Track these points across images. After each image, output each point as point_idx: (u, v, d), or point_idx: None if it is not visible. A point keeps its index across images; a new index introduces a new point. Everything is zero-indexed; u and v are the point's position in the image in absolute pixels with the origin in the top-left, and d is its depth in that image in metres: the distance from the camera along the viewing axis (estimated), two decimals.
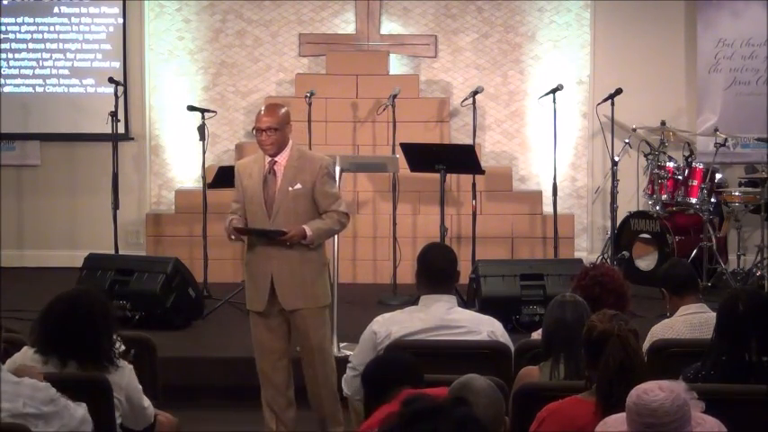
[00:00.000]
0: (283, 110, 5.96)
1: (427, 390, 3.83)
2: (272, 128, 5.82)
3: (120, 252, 8.98)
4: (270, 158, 5.91)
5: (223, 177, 8.49)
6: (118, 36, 10.05)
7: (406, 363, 4.14)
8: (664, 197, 9.18)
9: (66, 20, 10.08)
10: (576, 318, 4.32)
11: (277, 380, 6.03)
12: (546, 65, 10.11)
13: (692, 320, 5.19)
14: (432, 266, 5.17)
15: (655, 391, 3.16)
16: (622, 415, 3.31)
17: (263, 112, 5.90)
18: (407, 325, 5.01)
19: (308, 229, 5.81)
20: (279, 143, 5.86)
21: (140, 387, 4.49)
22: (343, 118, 9.73)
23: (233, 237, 5.94)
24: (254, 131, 5.92)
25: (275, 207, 5.84)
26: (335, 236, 6.61)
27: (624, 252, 9.19)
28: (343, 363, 5.55)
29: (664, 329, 5.21)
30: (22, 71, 10.13)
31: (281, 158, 5.89)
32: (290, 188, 5.84)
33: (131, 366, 4.46)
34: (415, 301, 5.40)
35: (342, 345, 6.92)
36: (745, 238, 9.55)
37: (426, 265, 5.19)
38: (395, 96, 8.92)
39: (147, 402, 4.52)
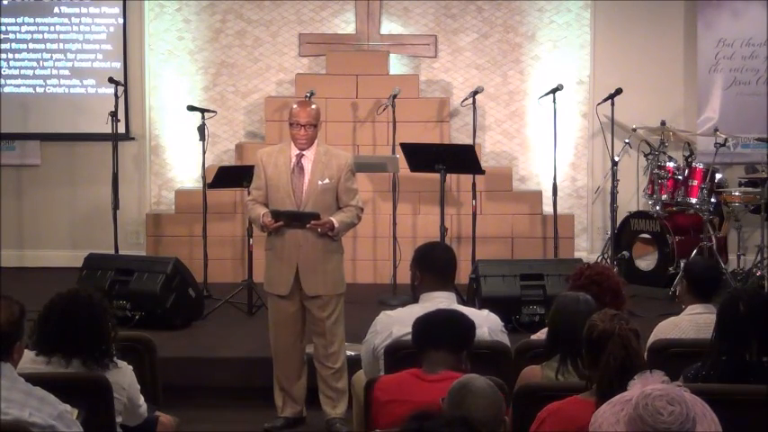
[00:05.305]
0: (317, 107, 6.31)
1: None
2: (311, 124, 6.17)
3: (121, 252, 8.96)
4: (297, 152, 6.22)
5: (223, 177, 8.50)
6: (118, 36, 10.05)
7: (454, 331, 4.32)
8: (664, 197, 9.17)
9: (66, 20, 10.07)
10: (586, 316, 4.31)
11: (292, 358, 6.34)
12: (546, 65, 10.10)
13: (697, 321, 5.20)
14: (430, 263, 5.18)
15: (666, 407, 3.12)
16: (612, 408, 3.27)
17: (298, 108, 6.22)
18: (408, 323, 5.01)
19: (335, 221, 6.18)
20: (312, 139, 6.22)
21: (138, 387, 4.54)
22: (343, 118, 9.72)
23: (269, 227, 6.17)
24: (290, 125, 6.21)
25: (305, 199, 6.19)
26: None
27: (624, 252, 9.19)
28: None
29: (670, 327, 5.22)
30: (23, 71, 10.11)
31: (309, 153, 6.22)
32: (320, 182, 6.18)
33: (131, 366, 4.49)
34: (415, 301, 5.40)
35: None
36: (745, 238, 9.54)
37: (425, 262, 5.20)
38: (395, 96, 8.92)
39: (142, 401, 4.57)
